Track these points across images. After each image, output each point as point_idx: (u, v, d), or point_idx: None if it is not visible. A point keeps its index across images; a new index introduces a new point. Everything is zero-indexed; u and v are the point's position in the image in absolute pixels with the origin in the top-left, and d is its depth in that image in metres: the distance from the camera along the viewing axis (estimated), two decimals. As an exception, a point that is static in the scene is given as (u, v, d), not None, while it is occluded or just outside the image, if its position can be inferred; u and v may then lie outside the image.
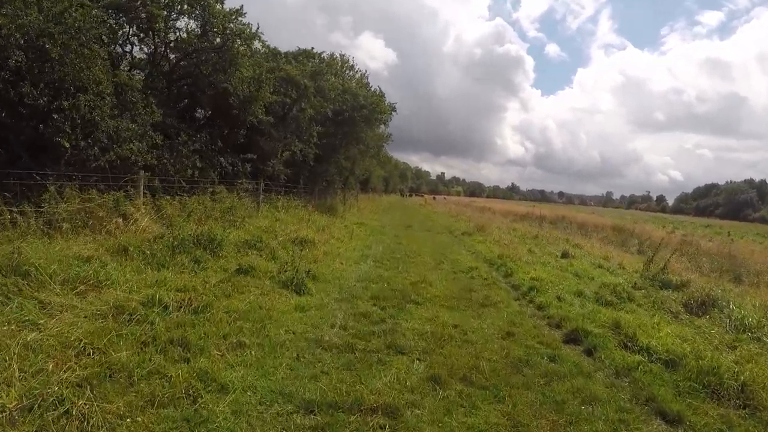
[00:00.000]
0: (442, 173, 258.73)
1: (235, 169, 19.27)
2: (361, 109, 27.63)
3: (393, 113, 31.66)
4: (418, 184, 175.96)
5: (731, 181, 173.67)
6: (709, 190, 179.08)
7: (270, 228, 14.76)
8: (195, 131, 17.47)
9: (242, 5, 17.64)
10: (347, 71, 32.17)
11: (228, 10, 17.41)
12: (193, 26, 17.46)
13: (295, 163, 23.85)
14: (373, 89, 30.45)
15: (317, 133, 24.63)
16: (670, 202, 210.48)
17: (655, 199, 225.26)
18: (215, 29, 17.26)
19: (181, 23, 17.33)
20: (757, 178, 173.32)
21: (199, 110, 19.67)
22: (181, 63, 18.01)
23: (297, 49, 26.52)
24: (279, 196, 20.88)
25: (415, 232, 23.59)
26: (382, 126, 33.07)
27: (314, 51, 27.12)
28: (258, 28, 18.32)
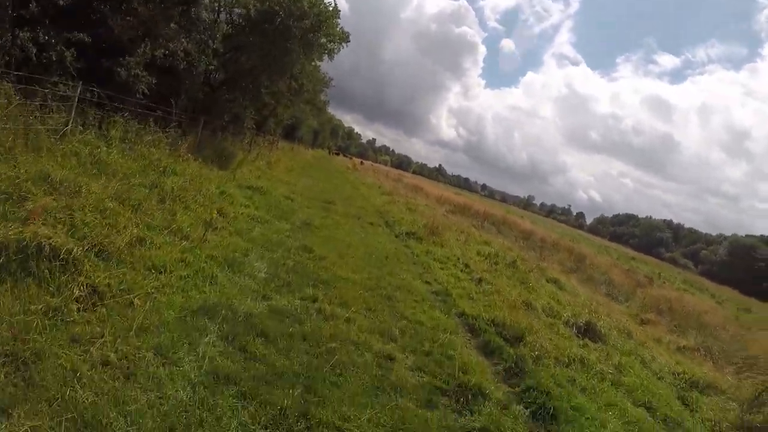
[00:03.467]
0: (373, 139, 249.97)
1: (46, 55, 10.51)
2: (302, 18, 18.14)
3: (344, 45, 22.45)
4: (348, 144, 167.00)
5: (650, 217, 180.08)
6: (628, 219, 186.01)
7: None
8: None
9: None
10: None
11: None
12: None
13: (174, 73, 14.99)
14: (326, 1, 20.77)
15: (225, 35, 15.75)
16: (588, 220, 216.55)
17: (574, 214, 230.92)
18: None
19: None
20: (670, 218, 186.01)
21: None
22: None
23: None
24: (126, 119, 12.08)
25: (338, 218, 15.06)
26: (326, 57, 23.35)
27: None
28: None
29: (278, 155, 31.30)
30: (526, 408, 5.59)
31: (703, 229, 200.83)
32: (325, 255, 9.43)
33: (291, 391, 4.24)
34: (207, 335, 4.80)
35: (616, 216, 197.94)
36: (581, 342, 8.97)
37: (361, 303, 7.25)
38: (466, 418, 4.96)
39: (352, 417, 4.23)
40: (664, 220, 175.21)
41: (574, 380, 6.74)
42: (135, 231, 6.40)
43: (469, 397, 5.34)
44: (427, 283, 10.20)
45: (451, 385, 5.48)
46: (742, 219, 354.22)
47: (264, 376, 4.41)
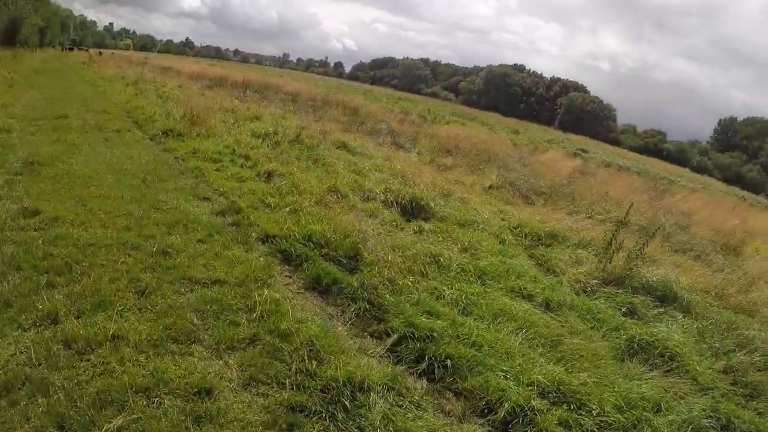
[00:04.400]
0: (111, 24, 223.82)
1: None
2: None
3: None
4: (82, 36, 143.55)
5: (408, 57, 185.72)
6: (387, 62, 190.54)
7: None
8: None
9: None
10: None
11: None
12: None
13: None
14: None
15: None
16: (347, 68, 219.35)
17: (332, 65, 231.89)
18: None
19: None
20: (426, 56, 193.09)
21: None
22: None
23: None
24: None
25: (74, 137, 10.96)
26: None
27: None
28: None
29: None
30: (417, 374, 4.01)
31: (459, 63, 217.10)
32: (59, 213, 6.15)
33: None
34: None
35: (375, 60, 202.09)
36: (415, 226, 7.53)
37: (125, 286, 4.61)
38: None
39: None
40: (422, 59, 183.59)
41: (443, 296, 5.25)
42: None
43: (347, 403, 3.48)
44: (206, 199, 7.73)
45: (315, 398, 3.52)
46: (493, 51, 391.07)
47: None
